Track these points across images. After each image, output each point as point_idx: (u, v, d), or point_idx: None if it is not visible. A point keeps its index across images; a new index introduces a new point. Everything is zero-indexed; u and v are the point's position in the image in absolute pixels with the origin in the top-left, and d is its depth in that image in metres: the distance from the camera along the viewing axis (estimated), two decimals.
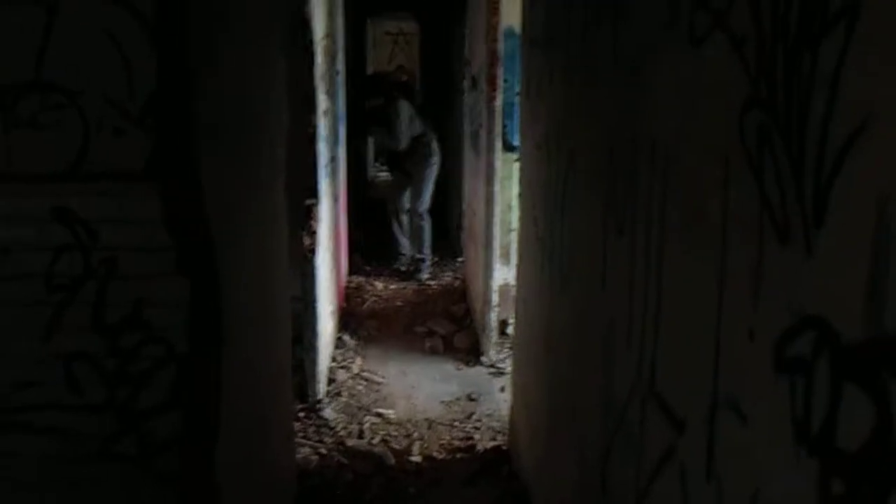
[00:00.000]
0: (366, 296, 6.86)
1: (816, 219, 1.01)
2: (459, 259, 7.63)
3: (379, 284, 7.12)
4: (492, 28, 4.87)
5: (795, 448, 1.05)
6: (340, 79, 6.39)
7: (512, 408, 4.02)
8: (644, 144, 1.72)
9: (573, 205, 2.51)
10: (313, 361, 4.56)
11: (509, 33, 4.84)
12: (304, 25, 4.09)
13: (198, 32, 2.07)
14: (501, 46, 4.86)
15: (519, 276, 3.82)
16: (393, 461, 3.98)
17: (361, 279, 7.32)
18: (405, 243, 7.52)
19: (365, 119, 7.63)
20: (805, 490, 1.02)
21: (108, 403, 2.12)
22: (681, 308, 1.54)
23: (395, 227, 7.55)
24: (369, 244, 7.92)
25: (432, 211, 7.52)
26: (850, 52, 0.93)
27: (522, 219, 3.68)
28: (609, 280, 2.04)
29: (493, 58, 4.92)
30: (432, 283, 7.21)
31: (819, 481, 0.99)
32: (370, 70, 11.26)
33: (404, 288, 7.05)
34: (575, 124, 2.50)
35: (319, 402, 4.60)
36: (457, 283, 7.17)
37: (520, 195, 3.88)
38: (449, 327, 5.92)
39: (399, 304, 6.63)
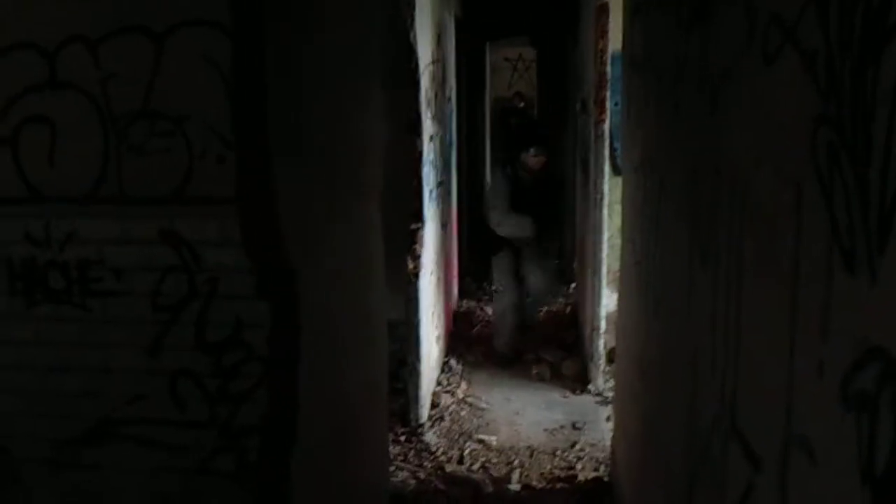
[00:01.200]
0: (475, 321, 6.87)
1: (880, 244, 0.94)
2: (572, 284, 7.53)
3: (489, 310, 7.11)
4: (599, 51, 4.82)
5: (861, 491, 0.97)
6: (452, 104, 6.47)
7: (613, 437, 3.92)
8: (724, 171, 1.65)
9: (665, 231, 2.44)
10: (416, 385, 4.59)
11: (618, 55, 4.78)
12: (409, 51, 4.17)
13: (277, 50, 2.14)
14: (609, 69, 4.79)
15: (619, 302, 3.73)
16: (491, 489, 3.94)
17: (472, 304, 7.34)
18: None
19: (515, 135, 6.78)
20: None
21: (209, 420, 2.20)
22: (757, 341, 1.46)
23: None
24: (482, 269, 7.93)
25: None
26: None
27: (623, 243, 3.61)
28: (693, 309, 1.97)
29: (601, 80, 4.86)
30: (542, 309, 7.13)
31: None
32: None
33: None
34: (666, 149, 2.43)
35: (421, 426, 4.62)
36: (567, 309, 7.07)
37: (622, 220, 3.80)
38: (557, 354, 5.83)
39: None
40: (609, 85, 4.86)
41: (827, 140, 1.10)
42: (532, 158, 5.63)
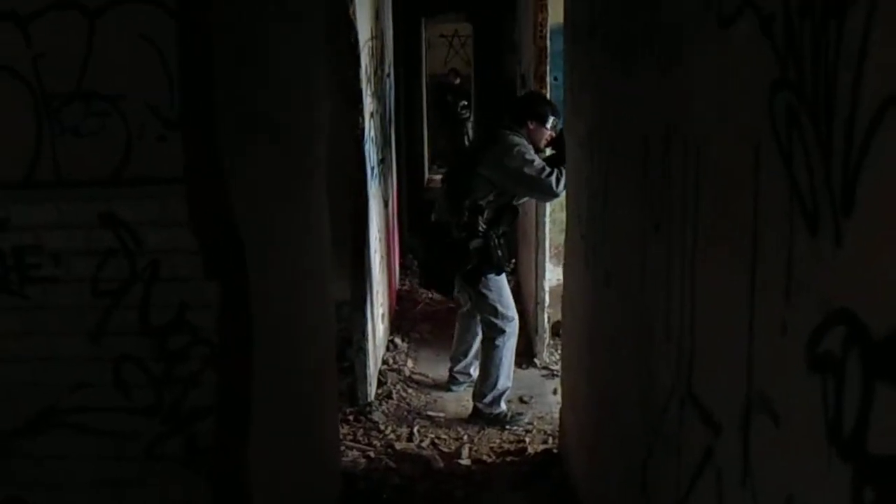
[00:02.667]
0: (418, 298, 6.86)
1: (845, 206, 0.95)
2: (512, 260, 7.57)
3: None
4: (538, 25, 4.83)
5: (828, 452, 0.99)
6: (391, 80, 6.41)
7: (561, 410, 3.96)
8: (676, 136, 1.66)
9: (614, 202, 2.46)
10: (363, 364, 4.56)
11: (558, 30, 4.78)
12: (349, 27, 4.10)
13: (224, 30, 2.09)
14: (548, 44, 4.80)
15: (565, 275, 3.76)
16: (441, 464, 3.95)
17: (415, 281, 7.32)
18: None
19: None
20: (838, 498, 0.96)
21: (156, 405, 2.15)
22: (715, 305, 1.48)
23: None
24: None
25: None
26: (877, 23, 0.87)
27: (567, 217, 3.63)
28: (647, 277, 1.99)
29: (540, 55, 4.87)
30: None
31: (852, 489, 0.93)
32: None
33: None
34: (613, 119, 2.44)
35: (369, 404, 4.60)
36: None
37: (566, 193, 3.82)
38: None
39: (451, 306, 6.60)
40: (549, 59, 4.87)
41: (786, 103, 1.11)
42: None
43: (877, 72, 0.88)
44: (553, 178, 4.03)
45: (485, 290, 4.37)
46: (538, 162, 4.12)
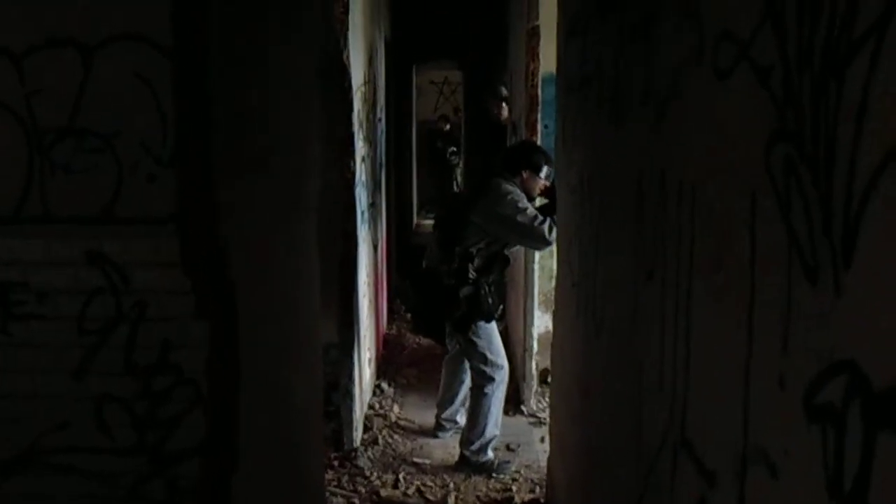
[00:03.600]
0: (405, 343, 6.82)
1: (846, 257, 0.95)
2: (501, 307, 7.55)
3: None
4: (531, 74, 4.88)
5: None
6: (382, 126, 6.45)
7: (549, 458, 3.92)
8: (671, 185, 1.67)
9: (605, 250, 2.46)
10: (349, 408, 4.51)
11: (549, 79, 4.83)
12: (342, 71, 4.13)
13: (219, 69, 2.09)
14: (540, 92, 4.85)
15: (555, 323, 3.75)
16: None
17: (402, 326, 7.29)
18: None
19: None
20: None
21: (138, 446, 2.11)
22: (709, 354, 1.47)
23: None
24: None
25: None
26: (877, 78, 0.88)
27: (559, 265, 3.63)
28: (639, 325, 1.98)
29: (532, 103, 4.92)
30: None
31: None
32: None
33: None
34: (605, 168, 2.46)
35: (355, 450, 4.54)
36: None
37: (557, 241, 3.83)
38: None
39: (438, 352, 6.56)
40: (539, 107, 4.91)
41: (784, 154, 1.12)
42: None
43: (878, 125, 0.88)
44: (546, 227, 4.04)
45: (474, 338, 4.35)
46: (531, 210, 4.14)
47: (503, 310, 6.89)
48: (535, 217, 4.09)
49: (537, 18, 4.83)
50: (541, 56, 4.82)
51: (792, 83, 1.09)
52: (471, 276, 4.20)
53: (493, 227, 4.19)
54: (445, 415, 4.87)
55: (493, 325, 4.45)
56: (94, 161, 2.04)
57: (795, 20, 1.07)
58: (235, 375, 2.10)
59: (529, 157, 4.36)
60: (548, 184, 4.28)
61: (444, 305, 4.27)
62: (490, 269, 4.28)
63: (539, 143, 4.90)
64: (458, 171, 12.71)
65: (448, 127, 13.68)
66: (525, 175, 4.28)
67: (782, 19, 1.12)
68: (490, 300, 4.28)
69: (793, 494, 1.10)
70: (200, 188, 2.01)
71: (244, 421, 2.12)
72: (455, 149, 12.89)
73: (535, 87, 4.88)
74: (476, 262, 4.22)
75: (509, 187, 4.22)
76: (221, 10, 2.11)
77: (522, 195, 4.22)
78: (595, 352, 2.63)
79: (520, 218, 4.09)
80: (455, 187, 12.53)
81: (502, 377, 4.44)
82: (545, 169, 4.27)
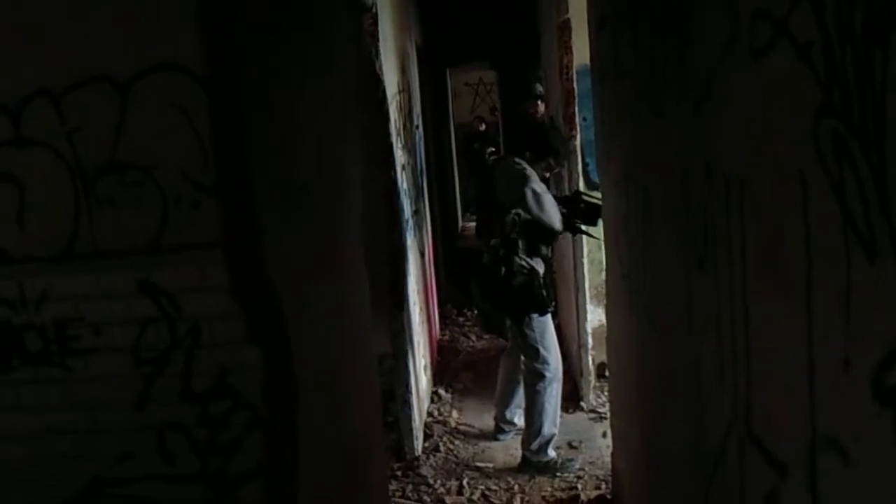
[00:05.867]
0: (459, 348, 6.80)
1: None
2: (552, 303, 7.50)
3: (472, 336, 7.05)
4: (565, 67, 4.84)
5: None
6: (420, 132, 6.45)
7: (613, 454, 3.86)
8: (716, 171, 1.63)
9: (654, 242, 2.41)
10: (408, 417, 4.50)
11: (584, 71, 4.77)
12: (376, 82, 4.14)
13: (256, 92, 2.10)
14: (575, 85, 4.80)
15: (608, 317, 3.69)
16: None
17: (455, 331, 7.28)
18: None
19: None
20: None
21: (200, 472, 2.13)
22: (770, 342, 1.42)
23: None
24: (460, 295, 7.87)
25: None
26: None
27: (608, 258, 3.58)
28: (694, 317, 1.93)
29: (568, 96, 4.87)
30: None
31: None
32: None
33: (498, 338, 6.95)
34: (648, 158, 2.41)
35: (417, 459, 4.53)
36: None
37: (605, 234, 3.78)
38: None
39: (493, 354, 6.53)
40: (577, 100, 4.87)
41: (831, 130, 1.07)
42: None
43: None
44: (558, 217, 4.19)
45: (527, 330, 4.32)
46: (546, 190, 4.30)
47: (556, 306, 6.85)
48: (546, 191, 4.25)
49: (567, 11, 4.79)
50: (574, 49, 4.76)
51: (834, 55, 1.05)
52: (522, 262, 4.19)
53: (514, 200, 4.21)
54: (503, 416, 4.84)
55: (548, 319, 4.41)
56: (137, 193, 2.06)
57: None
58: (292, 395, 2.10)
59: (531, 138, 4.52)
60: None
61: (500, 298, 4.27)
62: (537, 249, 4.28)
63: (578, 135, 4.86)
64: None
65: (483, 127, 13.64)
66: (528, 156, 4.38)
67: None
68: (544, 292, 4.26)
69: (866, 481, 1.06)
70: (244, 213, 2.02)
71: (304, 440, 2.13)
72: (493, 149, 12.85)
73: (569, 80, 4.83)
74: (521, 244, 4.20)
75: (519, 166, 4.30)
76: (252, 35, 2.12)
77: (533, 173, 4.29)
78: (650, 345, 2.58)
79: (535, 187, 4.19)
80: None
81: (554, 374, 4.39)
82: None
